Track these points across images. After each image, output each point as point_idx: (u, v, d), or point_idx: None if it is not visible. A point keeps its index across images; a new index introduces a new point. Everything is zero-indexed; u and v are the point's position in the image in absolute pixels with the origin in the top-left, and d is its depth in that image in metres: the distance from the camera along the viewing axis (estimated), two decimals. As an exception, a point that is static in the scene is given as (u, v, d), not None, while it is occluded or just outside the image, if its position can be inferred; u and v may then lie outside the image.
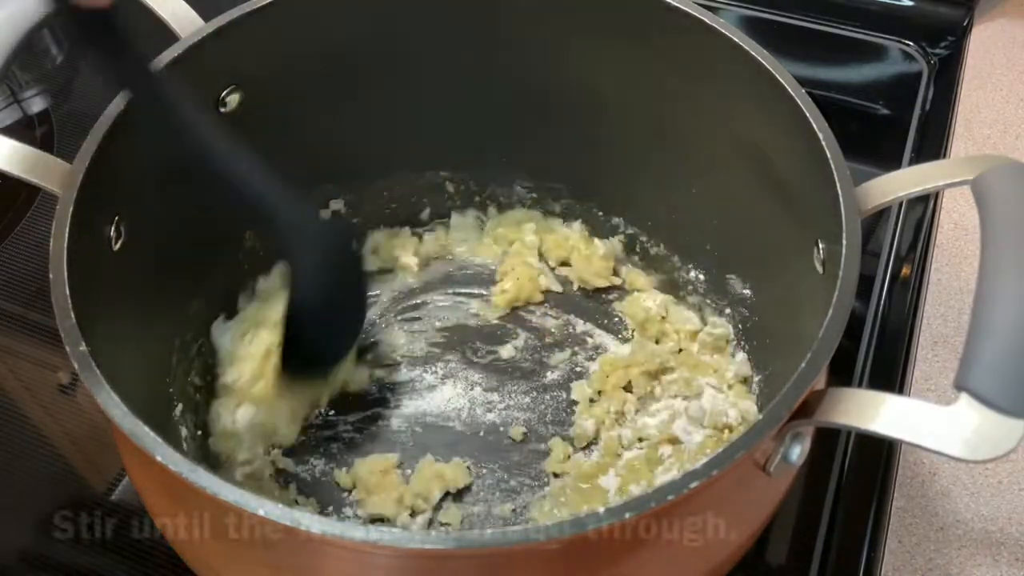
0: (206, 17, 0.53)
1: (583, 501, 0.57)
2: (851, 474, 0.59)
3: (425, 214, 0.72)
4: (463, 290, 0.70)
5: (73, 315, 0.40)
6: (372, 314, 0.68)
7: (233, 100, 0.55)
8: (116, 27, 0.45)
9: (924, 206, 0.74)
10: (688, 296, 0.66)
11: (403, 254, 0.71)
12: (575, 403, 0.62)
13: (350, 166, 0.67)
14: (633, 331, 0.66)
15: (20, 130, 0.82)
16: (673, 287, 0.67)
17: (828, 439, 0.60)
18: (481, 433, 0.61)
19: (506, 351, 0.66)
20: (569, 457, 0.60)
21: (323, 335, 0.58)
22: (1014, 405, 0.33)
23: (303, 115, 0.60)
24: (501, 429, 0.61)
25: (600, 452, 0.60)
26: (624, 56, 0.58)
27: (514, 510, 0.58)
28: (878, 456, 0.60)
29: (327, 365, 0.61)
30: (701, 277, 0.66)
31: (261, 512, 0.34)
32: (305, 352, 0.57)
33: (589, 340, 0.66)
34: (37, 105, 0.85)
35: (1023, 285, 0.35)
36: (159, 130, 0.48)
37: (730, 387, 0.61)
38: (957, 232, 0.73)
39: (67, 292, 0.41)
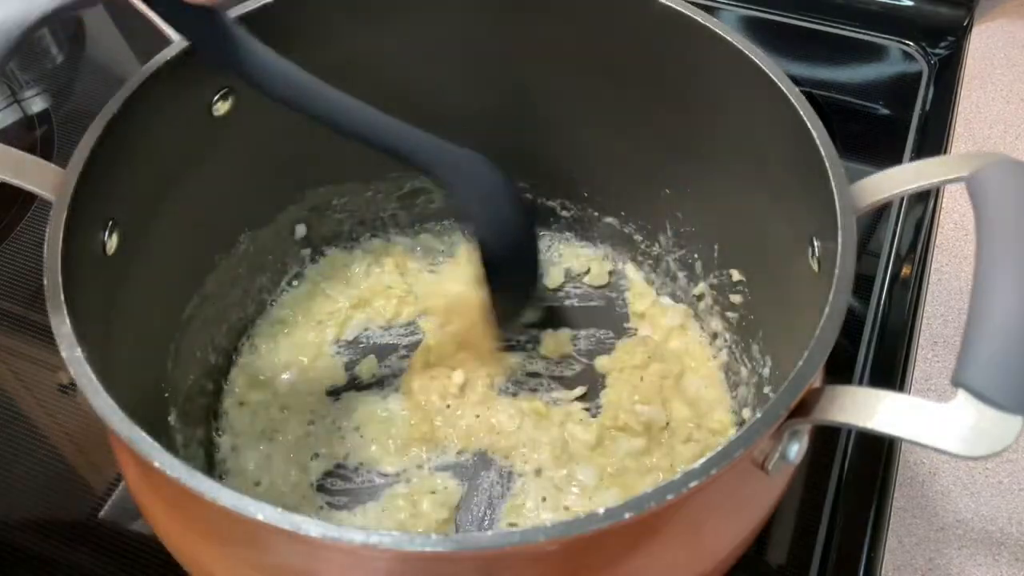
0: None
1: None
2: (851, 474, 0.59)
3: (418, 216, 0.72)
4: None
5: (68, 320, 0.40)
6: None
7: (225, 105, 0.55)
8: (222, 24, 0.47)
9: (924, 206, 0.74)
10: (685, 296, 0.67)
11: (391, 258, 0.71)
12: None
13: (342, 168, 0.67)
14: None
15: (20, 130, 0.83)
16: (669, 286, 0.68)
17: (828, 439, 0.60)
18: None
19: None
20: None
21: (508, 264, 0.58)
22: (1011, 401, 0.33)
23: (295, 118, 0.60)
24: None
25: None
26: (619, 56, 0.58)
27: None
28: (878, 456, 0.60)
29: (525, 293, 0.62)
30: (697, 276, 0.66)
31: (260, 516, 0.34)
32: (502, 286, 0.58)
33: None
34: (37, 105, 0.85)
35: (1020, 282, 0.35)
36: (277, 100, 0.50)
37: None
38: (957, 232, 0.73)
39: (62, 297, 0.41)
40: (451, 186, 0.55)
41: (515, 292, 0.61)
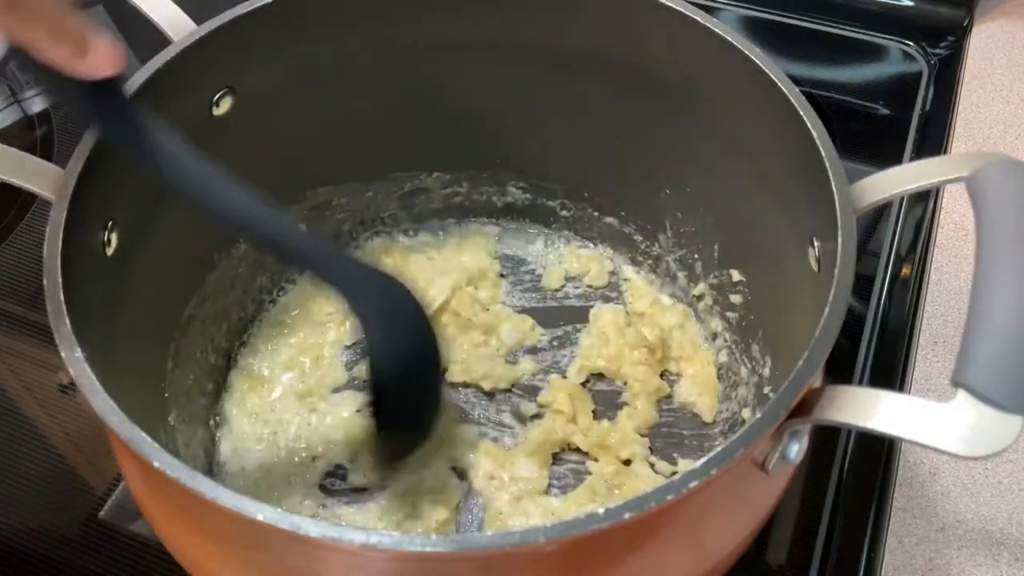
0: (198, 20, 0.53)
1: None
2: (851, 474, 0.59)
3: (418, 216, 0.72)
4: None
5: (68, 320, 0.40)
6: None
7: (225, 104, 0.55)
8: (121, 96, 0.42)
9: (924, 206, 0.74)
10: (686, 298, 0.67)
11: (390, 259, 0.71)
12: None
13: (342, 169, 0.67)
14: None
15: (20, 130, 0.83)
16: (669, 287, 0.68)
17: (828, 439, 0.60)
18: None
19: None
20: None
21: (403, 397, 0.53)
22: (1011, 401, 0.33)
23: (295, 118, 0.60)
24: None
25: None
26: (619, 56, 0.58)
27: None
28: (878, 456, 0.60)
29: (418, 432, 0.56)
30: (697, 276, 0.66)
31: (260, 517, 0.34)
32: (392, 419, 0.53)
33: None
34: (37, 105, 0.85)
35: (1020, 282, 0.35)
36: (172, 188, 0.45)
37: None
38: (957, 232, 0.73)
39: (62, 297, 0.41)
40: (346, 297, 0.49)
41: (402, 432, 0.56)
